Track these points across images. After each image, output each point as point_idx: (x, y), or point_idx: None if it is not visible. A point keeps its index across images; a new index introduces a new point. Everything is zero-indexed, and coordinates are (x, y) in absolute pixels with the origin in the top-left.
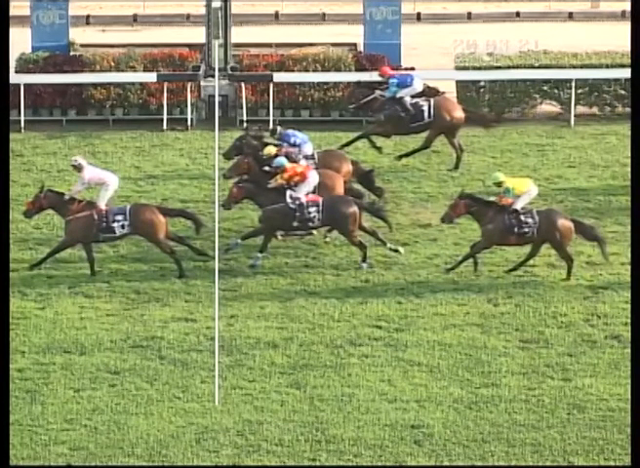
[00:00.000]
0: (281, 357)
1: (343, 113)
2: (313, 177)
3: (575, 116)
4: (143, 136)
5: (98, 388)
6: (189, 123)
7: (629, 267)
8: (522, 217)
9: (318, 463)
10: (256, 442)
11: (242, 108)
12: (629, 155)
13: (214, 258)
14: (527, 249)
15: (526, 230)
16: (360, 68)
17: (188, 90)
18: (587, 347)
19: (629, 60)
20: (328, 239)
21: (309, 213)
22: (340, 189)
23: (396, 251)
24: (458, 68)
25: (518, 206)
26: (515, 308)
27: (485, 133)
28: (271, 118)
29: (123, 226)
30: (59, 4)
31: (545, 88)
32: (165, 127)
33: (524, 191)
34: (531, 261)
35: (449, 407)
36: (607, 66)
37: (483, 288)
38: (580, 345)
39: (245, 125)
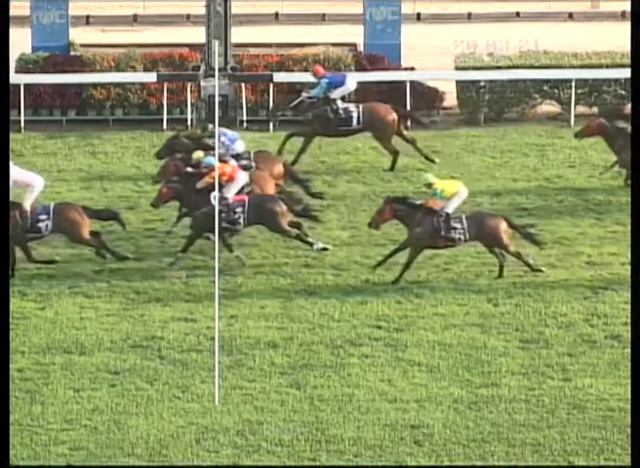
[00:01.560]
0: (281, 357)
1: None
2: (242, 178)
3: (575, 116)
4: (143, 136)
5: (98, 388)
6: (189, 123)
7: (629, 267)
8: (451, 222)
9: (318, 463)
10: (256, 442)
11: (242, 108)
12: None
13: (133, 260)
14: (528, 250)
15: (454, 234)
16: (360, 68)
17: (188, 90)
18: (587, 347)
19: (629, 61)
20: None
21: (235, 213)
22: (270, 191)
23: (325, 249)
24: (458, 68)
25: (449, 209)
26: (515, 308)
27: (485, 133)
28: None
29: (47, 225)
30: (59, 4)
31: (545, 88)
32: (165, 127)
33: (453, 193)
34: (531, 261)
35: (449, 407)
36: (607, 66)
37: (483, 288)
38: (580, 345)
39: (245, 125)
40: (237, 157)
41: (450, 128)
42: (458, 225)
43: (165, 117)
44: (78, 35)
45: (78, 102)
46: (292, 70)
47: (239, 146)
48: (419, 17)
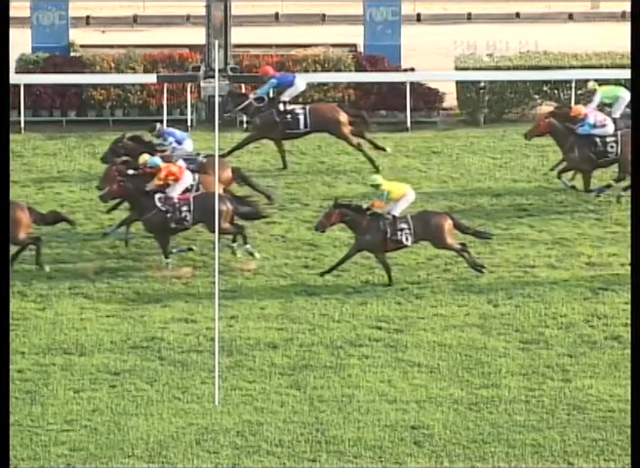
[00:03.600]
0: (281, 358)
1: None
2: (187, 178)
3: None
4: (143, 136)
5: (98, 389)
6: (189, 124)
7: (629, 267)
8: (397, 223)
9: (318, 464)
10: (256, 443)
11: None
12: None
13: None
14: (527, 250)
15: (401, 235)
16: (360, 69)
17: (188, 91)
18: (587, 348)
19: (629, 61)
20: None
21: (181, 212)
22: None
23: (251, 253)
24: (458, 69)
25: (396, 211)
26: (515, 309)
27: (485, 133)
28: None
29: None
30: (59, 5)
31: (545, 89)
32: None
33: (400, 195)
34: (530, 262)
35: (449, 407)
36: (607, 67)
37: (483, 288)
38: (580, 346)
39: (245, 126)
40: (187, 161)
41: (450, 128)
42: (404, 226)
43: (165, 118)
44: (78, 36)
45: (78, 103)
46: (292, 71)
47: (188, 146)
48: (419, 17)
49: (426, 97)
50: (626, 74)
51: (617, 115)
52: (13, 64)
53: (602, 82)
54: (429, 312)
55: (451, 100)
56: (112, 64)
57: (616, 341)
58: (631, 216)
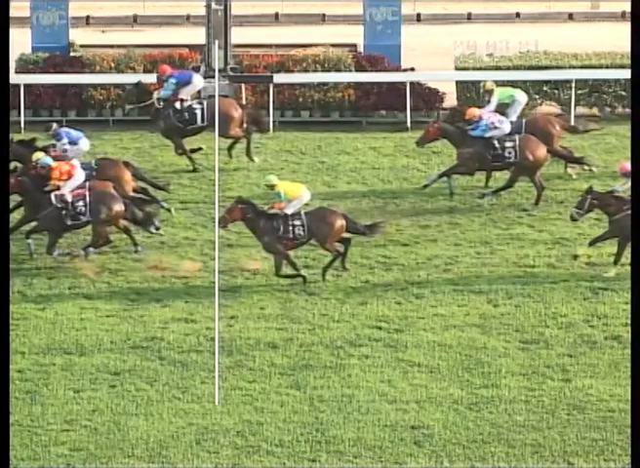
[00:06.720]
0: (281, 358)
1: (344, 114)
2: (79, 175)
3: (575, 117)
4: (143, 136)
5: (98, 389)
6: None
7: (629, 267)
8: (290, 221)
9: (318, 464)
10: (256, 442)
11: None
12: (629, 156)
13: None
14: (527, 250)
15: (296, 231)
16: (360, 69)
17: None
18: (587, 348)
19: (629, 61)
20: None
21: (75, 207)
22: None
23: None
24: (458, 69)
25: (289, 211)
26: (515, 309)
27: None
28: (271, 119)
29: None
30: (59, 4)
31: (545, 88)
32: None
33: (296, 196)
34: (530, 262)
35: (449, 407)
36: (607, 67)
37: (483, 288)
38: (580, 346)
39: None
40: (85, 167)
41: None
42: (297, 222)
43: None
44: (78, 36)
45: (78, 103)
46: (292, 71)
47: (84, 146)
48: (419, 17)
49: (426, 97)
50: (626, 74)
51: (513, 118)
52: (13, 64)
53: (500, 83)
54: (429, 312)
55: (451, 100)
56: (112, 64)
57: (616, 341)
58: (631, 217)
